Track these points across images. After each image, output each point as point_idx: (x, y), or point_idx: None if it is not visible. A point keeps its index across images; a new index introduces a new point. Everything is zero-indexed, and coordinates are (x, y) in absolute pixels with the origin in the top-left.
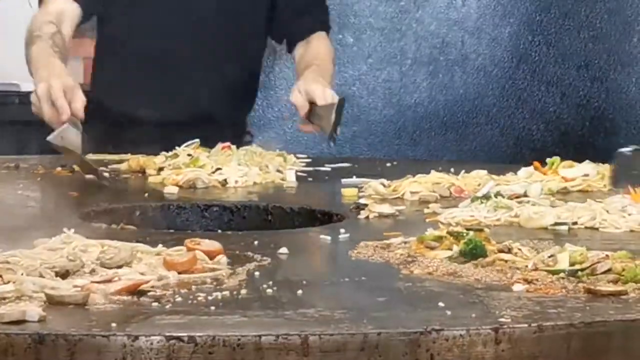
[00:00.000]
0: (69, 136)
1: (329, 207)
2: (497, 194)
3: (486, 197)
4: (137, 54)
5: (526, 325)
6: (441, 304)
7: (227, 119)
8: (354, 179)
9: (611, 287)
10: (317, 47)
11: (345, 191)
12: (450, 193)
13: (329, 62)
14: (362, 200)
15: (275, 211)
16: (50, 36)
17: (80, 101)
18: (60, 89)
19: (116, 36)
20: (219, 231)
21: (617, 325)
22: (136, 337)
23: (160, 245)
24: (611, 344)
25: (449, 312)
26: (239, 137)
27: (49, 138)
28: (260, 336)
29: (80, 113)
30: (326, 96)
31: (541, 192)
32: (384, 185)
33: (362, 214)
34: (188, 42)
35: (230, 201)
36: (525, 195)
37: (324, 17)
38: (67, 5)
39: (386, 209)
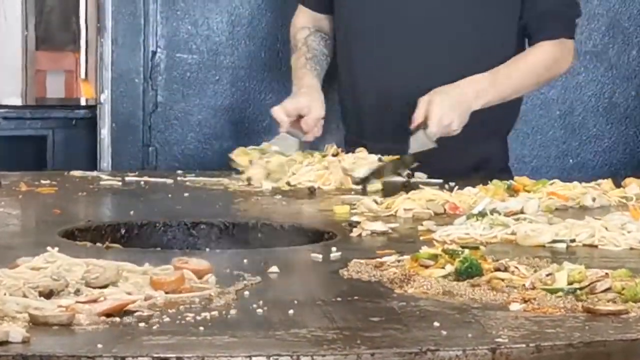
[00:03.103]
0: (284, 143)
1: (319, 224)
2: (493, 211)
3: (482, 214)
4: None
5: (524, 345)
6: (436, 324)
7: (486, 134)
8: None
9: (611, 306)
10: (527, 54)
11: (337, 208)
12: (445, 210)
13: (515, 73)
14: (354, 218)
15: (265, 229)
16: (304, 41)
17: (312, 117)
18: (285, 106)
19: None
20: (207, 249)
21: (617, 345)
22: (123, 359)
23: (146, 264)
24: None
25: (444, 332)
26: (503, 156)
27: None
28: (250, 357)
29: (307, 126)
30: (437, 129)
31: (538, 209)
32: (377, 202)
33: (355, 232)
34: (445, 57)
35: (219, 219)
36: (521, 212)
37: (561, 24)
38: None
39: (379, 226)
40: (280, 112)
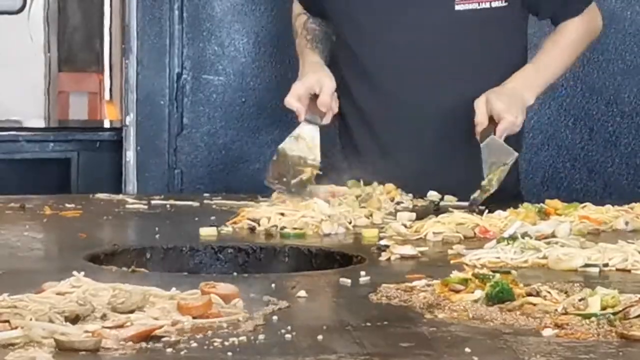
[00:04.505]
0: (304, 134)
1: (348, 248)
2: (524, 235)
3: (513, 237)
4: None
5: None
6: (468, 350)
7: None
8: None
9: None
10: (560, 36)
11: (366, 232)
12: (475, 234)
13: (555, 58)
14: (383, 242)
15: (293, 253)
16: (302, 26)
17: (325, 93)
18: (296, 93)
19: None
20: (234, 274)
21: None
22: None
23: (173, 289)
24: None
25: (476, 358)
26: (516, 181)
27: (279, 147)
28: None
29: (324, 106)
30: (512, 127)
31: (570, 233)
32: (406, 226)
33: (384, 256)
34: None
35: (245, 242)
36: (553, 235)
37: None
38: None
39: (408, 250)
40: (293, 100)
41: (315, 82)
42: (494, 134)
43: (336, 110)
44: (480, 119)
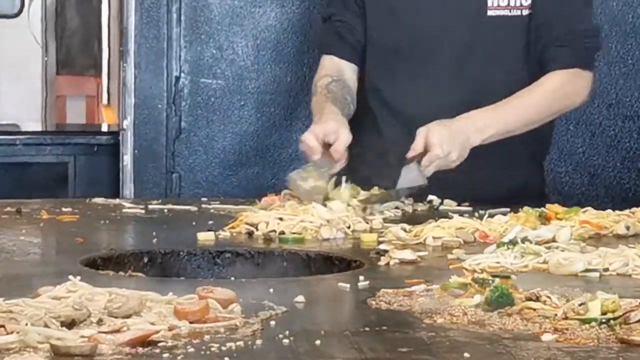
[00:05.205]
0: (314, 174)
1: (347, 253)
2: (524, 239)
3: (513, 242)
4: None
5: None
6: (467, 355)
7: (521, 161)
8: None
9: None
10: (537, 85)
11: (364, 236)
12: (475, 238)
13: (522, 106)
14: (382, 246)
15: (291, 257)
16: (325, 87)
17: (340, 143)
18: (314, 133)
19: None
20: (232, 278)
21: None
22: None
23: (170, 294)
24: None
25: None
26: (539, 183)
27: (290, 175)
28: None
29: (338, 154)
30: (438, 161)
31: (571, 237)
32: (405, 231)
33: (383, 261)
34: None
35: (244, 247)
36: (553, 240)
37: (576, 53)
38: (342, 62)
39: (407, 255)
40: (312, 139)
41: (332, 131)
42: (418, 163)
43: (345, 164)
44: (415, 147)
